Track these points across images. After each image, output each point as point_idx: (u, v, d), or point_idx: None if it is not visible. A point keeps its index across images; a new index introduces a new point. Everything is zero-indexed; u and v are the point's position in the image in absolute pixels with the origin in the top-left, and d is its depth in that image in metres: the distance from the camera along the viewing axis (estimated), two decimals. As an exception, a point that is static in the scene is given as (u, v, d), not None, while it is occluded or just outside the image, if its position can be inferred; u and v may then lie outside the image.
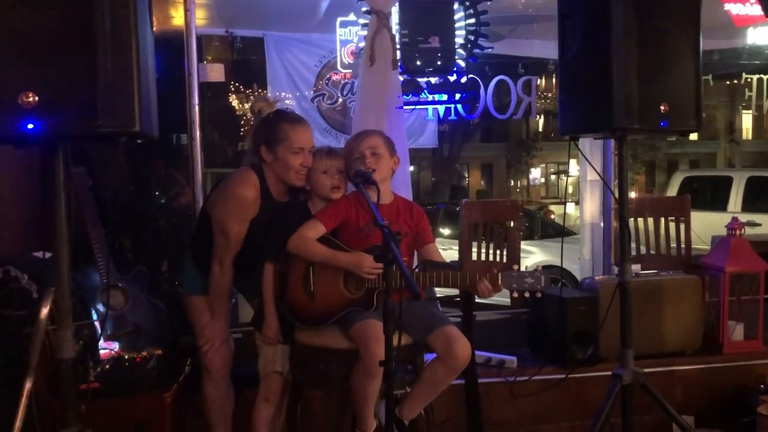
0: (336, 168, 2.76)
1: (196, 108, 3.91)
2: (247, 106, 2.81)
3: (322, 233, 2.65)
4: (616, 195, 2.83)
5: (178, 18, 4.09)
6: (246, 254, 2.75)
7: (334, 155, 2.78)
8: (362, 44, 3.94)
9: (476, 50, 4.11)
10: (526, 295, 2.46)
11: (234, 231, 2.69)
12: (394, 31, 3.89)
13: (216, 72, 4.00)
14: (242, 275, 2.83)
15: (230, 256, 2.73)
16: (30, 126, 1.70)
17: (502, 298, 2.81)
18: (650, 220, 4.15)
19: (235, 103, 8.41)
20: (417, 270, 2.62)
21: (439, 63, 3.94)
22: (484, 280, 2.45)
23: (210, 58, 6.67)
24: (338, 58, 5.88)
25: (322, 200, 2.79)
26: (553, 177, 30.24)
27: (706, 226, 5.02)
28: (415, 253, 2.86)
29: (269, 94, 6.59)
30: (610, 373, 2.82)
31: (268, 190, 2.74)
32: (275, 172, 2.72)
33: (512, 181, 29.59)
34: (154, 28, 1.93)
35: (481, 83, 4.09)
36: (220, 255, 2.73)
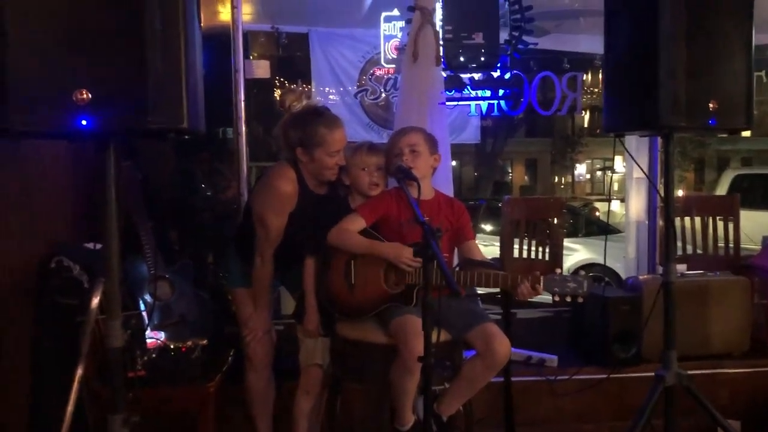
0: (375, 165, 2.77)
1: (242, 104, 3.96)
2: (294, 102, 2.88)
3: (362, 227, 2.67)
4: (662, 193, 2.78)
5: (225, 14, 4.15)
6: (287, 247, 2.79)
7: (374, 152, 2.79)
8: (406, 40, 3.95)
9: (520, 46, 4.07)
10: (568, 299, 2.43)
11: (273, 224, 2.72)
12: (437, 27, 3.88)
13: (262, 69, 4.05)
14: (284, 268, 2.87)
15: (270, 248, 2.77)
16: (84, 122, 1.75)
17: (544, 295, 2.79)
18: (698, 219, 4.06)
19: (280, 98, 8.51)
20: (457, 268, 2.62)
21: (482, 59, 3.91)
22: (525, 282, 2.44)
23: (256, 54, 6.76)
24: (382, 54, 5.90)
25: (362, 196, 2.81)
26: (598, 173, 29.73)
27: (757, 225, 4.89)
28: (456, 250, 2.86)
29: (313, 90, 6.65)
30: (652, 374, 2.78)
31: (306, 184, 2.77)
32: (309, 170, 2.76)
33: (556, 178, 29.20)
34: (202, 25, 1.97)
35: (525, 79, 4.05)
36: (261, 248, 2.77)
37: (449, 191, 3.74)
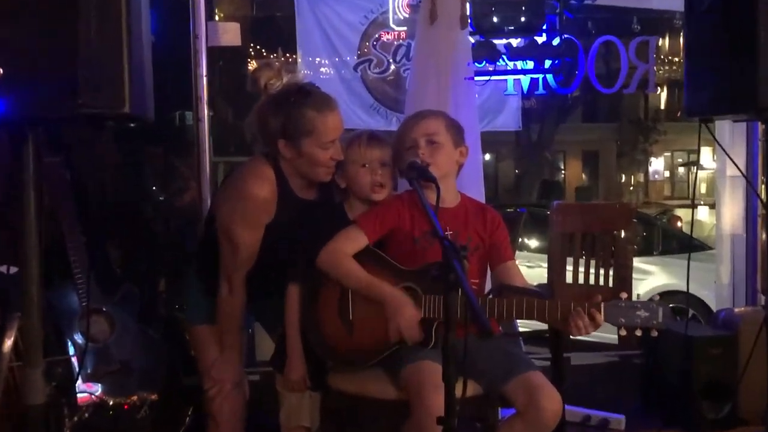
0: (379, 160, 2.78)
1: (204, 80, 3.96)
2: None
3: (363, 245, 2.67)
4: (764, 197, 2.78)
5: (179, -40, 4.18)
6: (263, 271, 2.79)
7: (378, 143, 2.79)
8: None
9: (573, 2, 4.09)
10: (638, 333, 2.42)
11: (243, 239, 2.73)
12: (463, -23, 3.93)
13: (230, 33, 4.08)
14: (259, 299, 2.88)
15: (241, 272, 2.77)
16: (-7, 106, 1.76)
17: (607, 333, 2.78)
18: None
19: (255, 72, 8.54)
20: (490, 296, 2.62)
21: (522, 19, 3.94)
22: (579, 312, 2.42)
23: (222, 14, 6.79)
24: (390, 13, 5.92)
25: (362, 202, 2.82)
26: (680, 170, 29.71)
27: None
28: (489, 273, 2.85)
29: (299, 61, 6.68)
30: (752, 440, 2.76)
31: (288, 186, 2.77)
32: (295, 167, 2.76)
33: (624, 176, 29.17)
34: (150, -22, 1.99)
35: (579, 46, 4.06)
36: (229, 271, 2.77)
37: (480, 195, 3.74)
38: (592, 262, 3.90)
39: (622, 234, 3.91)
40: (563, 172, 30.26)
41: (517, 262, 2.91)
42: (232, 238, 2.74)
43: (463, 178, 2.98)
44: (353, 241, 2.68)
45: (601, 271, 3.89)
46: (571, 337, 2.55)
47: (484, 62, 4.14)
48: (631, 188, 28.86)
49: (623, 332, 2.45)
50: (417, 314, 2.53)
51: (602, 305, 2.42)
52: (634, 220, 3.99)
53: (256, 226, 2.74)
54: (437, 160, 2.70)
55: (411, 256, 2.65)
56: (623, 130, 27.59)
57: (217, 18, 5.70)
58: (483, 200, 3.98)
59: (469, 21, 3.91)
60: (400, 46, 6.24)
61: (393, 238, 2.72)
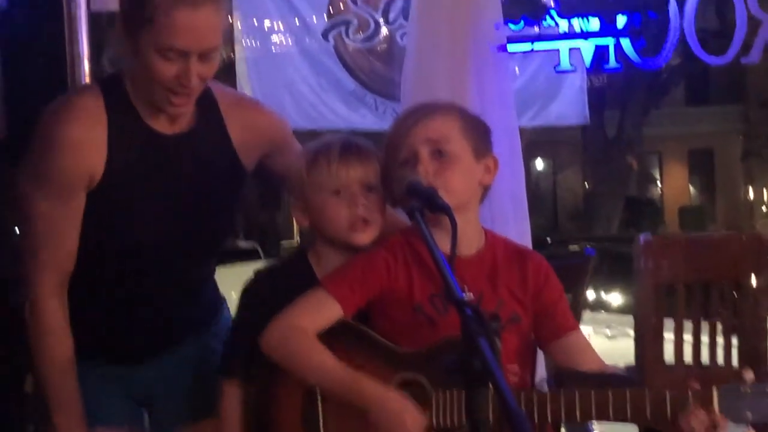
0: (360, 183, 2.81)
1: (86, 63, 4.04)
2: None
3: (335, 318, 2.68)
4: None
5: None
6: (123, 281, 2.82)
7: (358, 156, 2.82)
8: None
9: None
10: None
11: (39, 210, 2.72)
12: None
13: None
14: (128, 352, 2.90)
15: (49, 271, 2.76)
16: None
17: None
18: None
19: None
20: (541, 390, 2.63)
21: (579, -45, 3.97)
22: (695, 405, 2.44)
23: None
24: (377, -53, 6.01)
25: (337, 249, 2.85)
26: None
27: None
28: (539, 354, 2.88)
29: (238, 26, 6.74)
30: None
31: (134, 115, 2.77)
32: (141, 79, 2.75)
33: (752, 188, 29.21)
34: None
35: (670, -6, 4.09)
36: (30, 271, 2.77)
37: (523, 233, 3.74)
38: (705, 327, 3.91)
39: (752, 281, 3.94)
40: (659, 184, 30.39)
41: (587, 330, 2.92)
42: (25, 208, 2.75)
43: (493, 205, 2.99)
44: (320, 312, 2.68)
45: (720, 341, 3.90)
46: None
47: (522, 23, 4.15)
48: (765, 208, 28.86)
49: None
50: (423, 422, 2.51)
51: (714, 391, 2.43)
52: (774, 261, 4.00)
53: (60, 184, 2.71)
54: (449, 181, 2.71)
55: (411, 331, 2.67)
56: (751, 117, 27.72)
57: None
58: (528, 238, 4.00)
59: (495, -38, 3.96)
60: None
61: (381, 305, 2.74)
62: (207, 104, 2.85)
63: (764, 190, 29.07)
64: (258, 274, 2.94)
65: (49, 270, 2.75)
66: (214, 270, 3.21)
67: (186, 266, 2.90)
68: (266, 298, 2.80)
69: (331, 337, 2.67)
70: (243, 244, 22.63)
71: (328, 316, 2.68)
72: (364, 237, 2.81)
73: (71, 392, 2.81)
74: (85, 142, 2.69)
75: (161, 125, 2.78)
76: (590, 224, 22.33)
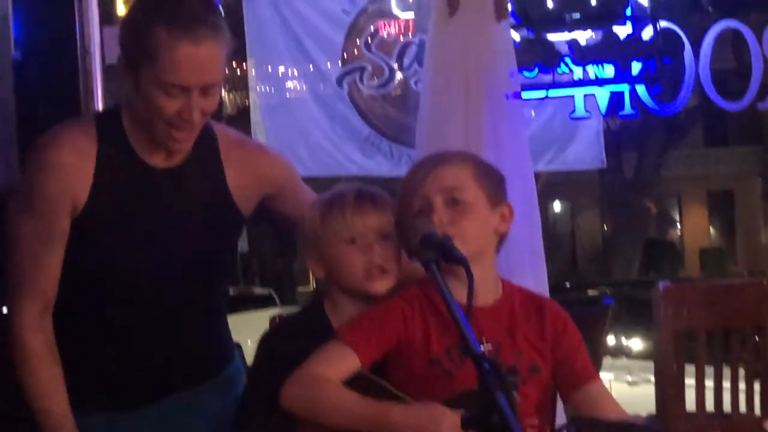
0: (376, 231, 2.79)
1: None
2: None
3: (353, 370, 2.66)
4: None
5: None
6: (111, 309, 2.78)
7: (373, 205, 2.81)
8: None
9: (673, -31, 4.14)
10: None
11: (21, 230, 2.70)
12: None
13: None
14: (120, 398, 2.84)
15: (31, 299, 2.72)
16: None
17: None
18: None
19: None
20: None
21: (593, 2, 3.97)
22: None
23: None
24: (391, -5, 6.03)
25: (352, 298, 2.84)
26: None
27: None
28: (559, 405, 2.85)
29: (252, 72, 6.76)
30: None
31: (127, 146, 2.76)
32: (140, 117, 2.74)
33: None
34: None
35: (685, 39, 4.09)
36: (12, 292, 2.73)
37: (540, 281, 3.72)
38: (727, 374, 3.88)
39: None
40: (679, 227, 30.35)
41: (608, 377, 2.89)
42: (10, 228, 2.73)
43: (509, 254, 2.97)
44: (338, 364, 2.65)
45: (742, 387, 3.87)
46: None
47: (537, 70, 4.16)
48: (787, 252, 28.84)
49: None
50: (452, 413, 2.43)
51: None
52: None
53: (42, 207, 2.70)
54: (464, 229, 2.69)
55: (427, 384, 2.64)
56: (770, 159, 27.75)
57: (118, 22, 5.74)
58: (545, 286, 3.98)
59: (509, 8, 3.96)
60: (408, 44, 6.34)
61: (398, 357, 2.71)
62: (205, 142, 2.84)
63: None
64: (274, 326, 2.93)
65: (31, 297, 2.72)
66: (221, 315, 3.15)
67: (176, 305, 2.84)
68: (283, 351, 2.76)
69: (347, 388, 2.64)
70: (259, 290, 22.63)
71: (345, 369, 2.66)
72: (381, 285, 2.79)
73: (62, 417, 2.76)
74: (69, 166, 2.69)
75: (155, 159, 2.77)
76: (610, 267, 22.31)
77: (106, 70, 4.06)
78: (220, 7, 2.75)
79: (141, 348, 2.82)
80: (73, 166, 2.69)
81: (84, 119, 2.78)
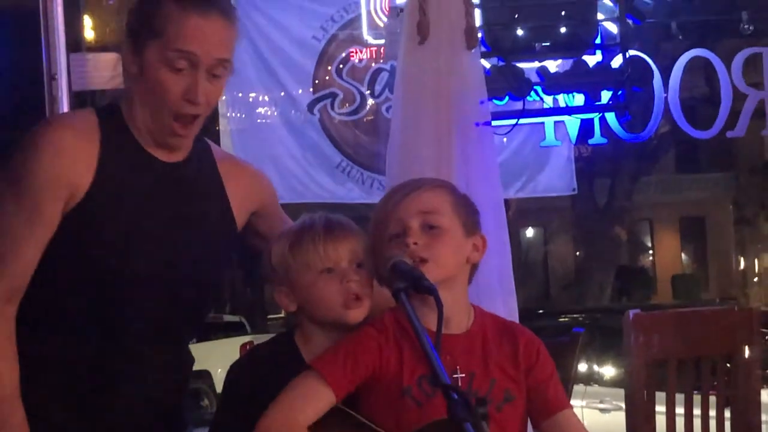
0: (350, 259, 2.79)
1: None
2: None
3: (327, 406, 2.66)
4: None
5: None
6: (98, 312, 2.70)
7: (343, 232, 2.80)
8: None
9: (642, 1, 4.16)
10: None
11: (5, 211, 2.59)
12: (468, -31, 4.01)
13: (107, 70, 4.12)
14: (94, 408, 2.76)
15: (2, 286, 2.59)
16: None
17: None
18: None
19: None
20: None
21: (563, 30, 4.00)
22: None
23: (95, 41, 6.82)
24: (363, 20, 6.05)
25: (325, 330, 2.84)
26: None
27: None
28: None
29: (222, 97, 6.74)
30: None
31: (129, 136, 2.70)
32: (141, 103, 2.69)
33: (743, 258, 29.23)
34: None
35: (654, 67, 4.12)
36: None
37: (509, 308, 3.73)
38: (698, 401, 3.90)
39: (745, 354, 3.94)
40: (650, 252, 30.37)
41: (579, 404, 2.90)
42: None
43: (479, 282, 2.98)
44: (312, 399, 2.63)
45: (713, 414, 3.88)
46: None
47: (507, 98, 4.18)
48: (756, 278, 28.85)
49: None
50: None
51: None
52: (763, 331, 3.99)
53: (34, 188, 2.58)
54: (439, 254, 2.69)
55: (398, 414, 2.64)
56: (742, 184, 27.76)
57: (85, 48, 5.70)
58: (516, 314, 3.97)
59: (479, 37, 3.98)
60: (379, 71, 6.32)
61: (371, 385, 2.70)
62: (202, 148, 2.81)
63: (755, 259, 29.07)
64: (243, 355, 2.90)
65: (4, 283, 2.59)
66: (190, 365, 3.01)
67: (169, 315, 2.75)
68: (252, 380, 2.76)
69: (317, 420, 2.63)
70: (229, 317, 22.49)
71: (321, 405, 2.64)
72: (357, 314, 2.77)
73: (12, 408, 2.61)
74: (71, 148, 2.60)
75: (158, 152, 2.70)
76: (582, 293, 22.30)
77: (74, 96, 4.06)
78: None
79: (113, 365, 2.71)
80: (75, 148, 2.59)
81: (82, 110, 2.71)
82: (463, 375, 2.60)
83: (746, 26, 5.34)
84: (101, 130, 2.64)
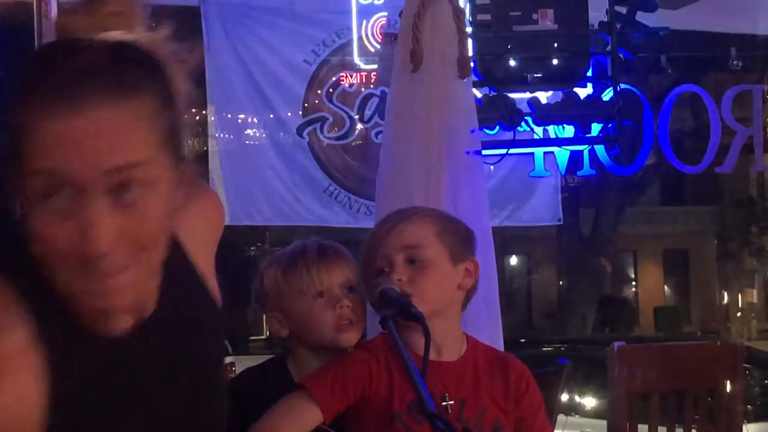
0: (342, 284, 2.82)
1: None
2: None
3: (315, 424, 2.65)
4: None
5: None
6: None
7: (336, 258, 2.84)
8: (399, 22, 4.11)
9: (634, 35, 4.18)
10: None
11: None
12: (461, 1, 4.06)
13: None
14: None
15: None
16: None
17: None
18: None
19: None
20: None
21: (555, 62, 4.01)
22: None
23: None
24: (354, 44, 6.05)
25: (316, 353, 2.85)
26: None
27: None
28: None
29: (211, 118, 6.74)
30: None
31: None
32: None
33: (726, 293, 29.21)
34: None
35: (645, 101, 4.14)
36: None
37: (495, 337, 3.73)
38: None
39: (727, 388, 3.95)
40: (634, 283, 30.34)
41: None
42: None
43: (472, 310, 2.98)
44: (298, 416, 2.64)
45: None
46: None
47: (498, 128, 4.19)
48: (740, 313, 28.83)
49: None
50: None
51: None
52: (746, 367, 4.00)
53: None
54: (423, 288, 2.69)
55: (389, 440, 2.66)
56: (726, 218, 27.75)
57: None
58: (500, 342, 3.99)
59: (472, 66, 4.00)
60: (370, 96, 6.31)
61: (359, 410, 2.71)
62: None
63: (738, 295, 29.05)
64: (232, 384, 2.87)
65: None
66: None
67: None
68: (240, 412, 2.63)
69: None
70: (211, 339, 22.41)
71: (307, 423, 2.63)
72: (350, 338, 2.81)
73: None
74: None
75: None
76: (565, 323, 22.26)
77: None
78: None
79: None
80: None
81: None
82: (453, 402, 2.61)
83: (735, 62, 5.39)
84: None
